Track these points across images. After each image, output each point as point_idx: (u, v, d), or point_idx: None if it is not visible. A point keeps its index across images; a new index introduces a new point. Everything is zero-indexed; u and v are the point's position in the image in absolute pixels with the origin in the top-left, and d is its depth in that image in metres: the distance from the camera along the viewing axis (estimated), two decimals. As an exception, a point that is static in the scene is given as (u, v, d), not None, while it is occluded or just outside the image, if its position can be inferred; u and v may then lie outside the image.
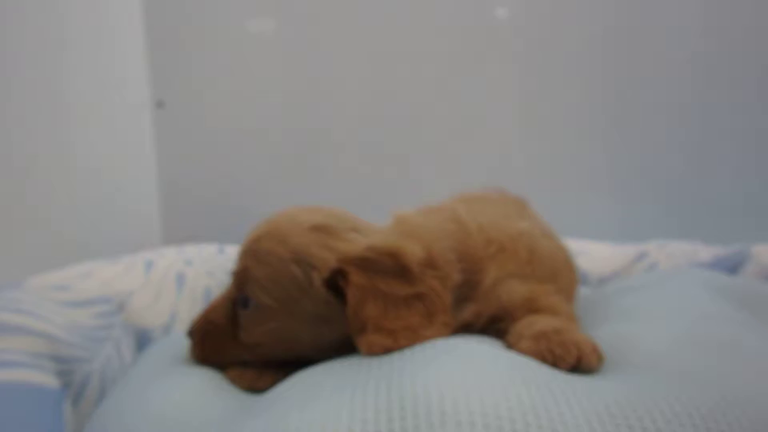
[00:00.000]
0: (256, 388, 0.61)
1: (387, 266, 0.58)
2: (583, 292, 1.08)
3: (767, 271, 1.10)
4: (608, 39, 1.63)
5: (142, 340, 0.81)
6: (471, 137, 1.75)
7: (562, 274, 0.75)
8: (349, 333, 0.57)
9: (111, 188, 1.39)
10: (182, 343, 0.74)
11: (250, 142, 1.76)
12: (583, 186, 1.73)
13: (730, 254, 1.19)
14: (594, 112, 1.69)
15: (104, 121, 1.38)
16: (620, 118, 1.68)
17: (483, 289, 0.65)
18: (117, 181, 1.42)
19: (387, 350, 0.53)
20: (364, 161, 1.77)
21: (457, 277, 0.63)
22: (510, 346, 0.57)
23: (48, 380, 0.57)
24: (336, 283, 0.58)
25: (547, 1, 1.64)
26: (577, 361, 0.50)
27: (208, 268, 1.02)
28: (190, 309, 0.92)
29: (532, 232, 0.74)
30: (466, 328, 0.64)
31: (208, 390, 0.53)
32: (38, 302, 0.68)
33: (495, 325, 0.64)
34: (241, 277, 0.63)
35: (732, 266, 1.15)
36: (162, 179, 1.68)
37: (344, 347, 0.58)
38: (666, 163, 1.68)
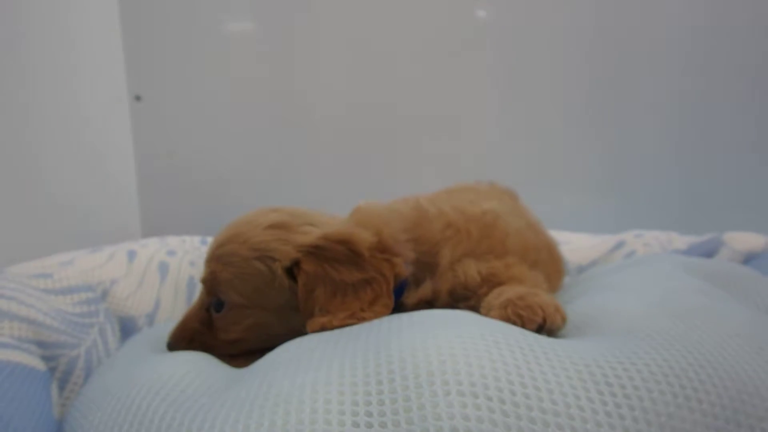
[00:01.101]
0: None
1: (339, 253, 0.62)
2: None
3: (741, 257, 1.13)
4: (585, 38, 1.67)
5: (127, 328, 0.81)
6: (453, 135, 1.77)
7: (532, 249, 0.77)
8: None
9: (90, 180, 1.38)
10: (167, 332, 0.75)
11: (226, 135, 1.78)
12: (563, 181, 1.77)
13: (704, 242, 1.22)
14: (574, 109, 1.72)
15: (83, 114, 1.38)
16: (600, 115, 1.71)
17: (441, 269, 0.69)
18: (96, 172, 1.43)
19: (323, 327, 0.58)
20: (342, 157, 1.79)
21: (411, 255, 0.67)
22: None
23: (36, 363, 0.57)
24: (294, 272, 0.63)
25: (525, 3, 1.68)
26: (543, 320, 0.54)
27: (190, 259, 1.02)
28: (173, 298, 0.92)
29: (496, 210, 0.77)
30: (429, 305, 0.67)
31: (198, 365, 0.54)
32: (21, 289, 0.67)
33: (461, 303, 0.67)
34: (211, 282, 0.67)
35: (706, 253, 1.18)
36: (140, 171, 1.70)
37: None
38: (644, 159, 1.71)
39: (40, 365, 0.58)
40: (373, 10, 1.70)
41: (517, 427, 0.38)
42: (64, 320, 0.67)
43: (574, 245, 1.37)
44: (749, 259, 1.11)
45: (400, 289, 0.67)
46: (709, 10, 1.60)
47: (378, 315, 0.59)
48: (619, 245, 1.33)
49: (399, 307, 0.67)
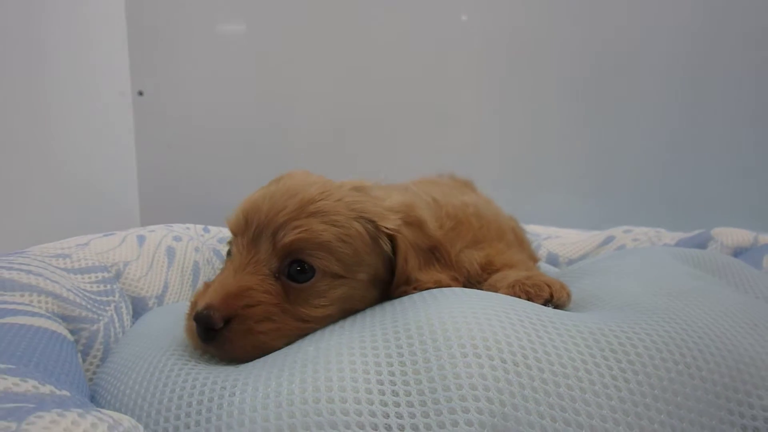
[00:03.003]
0: None
1: (414, 219, 0.62)
2: (553, 272, 1.14)
3: (729, 251, 1.15)
4: (568, 42, 1.71)
5: (138, 308, 0.83)
6: (440, 136, 1.81)
7: (507, 232, 0.81)
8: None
9: (94, 170, 1.41)
10: (182, 308, 0.77)
11: (223, 130, 1.83)
12: (549, 179, 1.80)
13: (692, 237, 1.25)
14: (557, 110, 1.76)
15: (88, 108, 1.41)
16: (584, 113, 1.76)
17: (453, 252, 0.69)
18: (100, 163, 1.45)
19: None
20: (335, 151, 1.83)
21: None
22: None
23: (66, 333, 0.59)
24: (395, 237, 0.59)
25: (500, 8, 1.72)
26: (550, 296, 0.57)
27: (195, 245, 1.04)
28: (180, 281, 0.94)
29: (475, 202, 0.81)
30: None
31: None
32: (45, 266, 0.69)
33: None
34: (305, 244, 0.55)
35: (695, 248, 1.21)
36: (140, 162, 1.75)
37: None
38: (629, 158, 1.76)
39: (69, 336, 0.60)
40: (364, 13, 1.75)
41: (531, 387, 0.41)
42: (84, 297, 0.69)
43: (564, 239, 1.40)
44: (737, 253, 1.14)
45: None
46: (693, 11, 1.65)
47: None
48: (609, 240, 1.36)
49: None
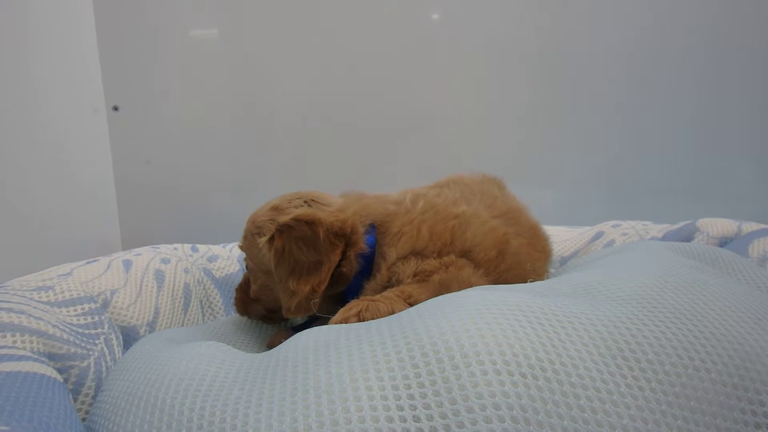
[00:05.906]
0: None
1: (304, 232, 0.74)
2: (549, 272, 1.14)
3: (715, 242, 1.17)
4: (545, 36, 1.72)
5: (129, 338, 0.80)
6: (421, 134, 1.80)
7: (495, 245, 0.78)
8: None
9: (70, 190, 1.37)
10: (173, 335, 0.75)
11: (202, 143, 1.80)
12: (533, 177, 1.81)
13: (679, 228, 1.27)
14: (538, 105, 1.77)
15: (60, 127, 1.37)
16: (565, 110, 1.77)
17: (387, 263, 0.76)
18: (76, 183, 1.42)
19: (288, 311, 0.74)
20: (312, 159, 1.82)
21: (364, 247, 0.77)
22: None
23: (55, 374, 0.57)
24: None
25: (471, 6, 1.73)
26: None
27: (184, 266, 1.01)
28: (171, 306, 0.92)
29: (466, 214, 0.80)
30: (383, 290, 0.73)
31: (215, 357, 0.53)
32: (26, 302, 0.67)
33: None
34: (243, 252, 0.87)
35: (682, 239, 1.22)
36: (118, 180, 1.71)
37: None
38: (608, 154, 1.77)
39: (58, 377, 0.57)
40: (335, 16, 1.74)
41: (553, 401, 0.40)
42: (72, 332, 0.67)
43: (554, 238, 1.40)
44: (723, 243, 1.16)
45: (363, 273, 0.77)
46: (662, 8, 1.67)
47: (310, 298, 0.71)
48: (598, 236, 1.37)
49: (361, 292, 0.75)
